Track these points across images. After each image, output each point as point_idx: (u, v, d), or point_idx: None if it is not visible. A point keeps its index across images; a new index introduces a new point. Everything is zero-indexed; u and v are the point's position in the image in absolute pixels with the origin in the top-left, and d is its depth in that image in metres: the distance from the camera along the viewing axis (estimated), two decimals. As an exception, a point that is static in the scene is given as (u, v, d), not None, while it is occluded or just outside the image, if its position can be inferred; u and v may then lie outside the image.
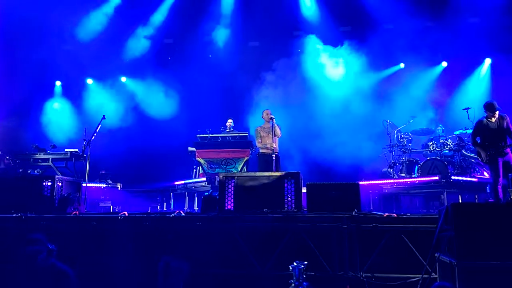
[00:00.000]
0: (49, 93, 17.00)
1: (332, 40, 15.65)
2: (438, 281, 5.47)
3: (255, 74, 15.61)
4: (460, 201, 11.06)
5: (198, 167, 12.76)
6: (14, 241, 6.83)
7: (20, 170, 12.04)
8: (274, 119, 10.82)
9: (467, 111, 12.44)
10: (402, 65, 15.95)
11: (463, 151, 11.96)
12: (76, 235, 7.04)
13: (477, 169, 11.94)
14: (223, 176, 7.65)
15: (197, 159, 11.55)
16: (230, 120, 13.03)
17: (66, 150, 12.18)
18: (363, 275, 6.21)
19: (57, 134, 15.40)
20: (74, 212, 7.71)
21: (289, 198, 7.31)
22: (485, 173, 11.65)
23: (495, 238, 4.73)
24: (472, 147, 10.13)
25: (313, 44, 15.71)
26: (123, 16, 15.74)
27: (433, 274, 5.64)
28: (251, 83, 15.50)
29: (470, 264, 4.65)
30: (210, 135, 11.58)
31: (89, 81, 17.01)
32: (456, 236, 4.80)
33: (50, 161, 12.02)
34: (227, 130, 12.63)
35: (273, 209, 7.15)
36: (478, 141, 9.03)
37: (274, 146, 10.62)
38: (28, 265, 5.45)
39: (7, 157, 12.68)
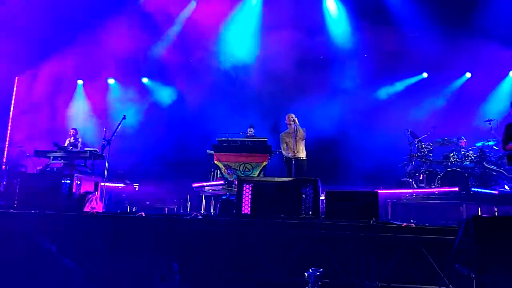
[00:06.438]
0: (71, 91, 17.17)
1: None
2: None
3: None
4: (480, 213, 10.90)
5: (216, 170, 12.71)
6: (30, 238, 6.87)
7: (40, 167, 12.12)
8: (296, 121, 10.80)
9: (489, 123, 12.33)
10: (425, 75, 15.87)
11: (484, 163, 11.77)
12: (93, 233, 7.06)
13: (498, 181, 11.77)
14: (241, 180, 7.63)
15: (215, 162, 11.46)
16: (250, 129, 12.88)
17: (85, 149, 12.24)
18: (379, 285, 6.13)
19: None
20: (92, 211, 7.75)
21: (307, 205, 7.26)
22: (506, 186, 11.49)
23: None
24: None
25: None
26: (149, 17, 15.78)
27: (450, 286, 5.57)
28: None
29: (488, 278, 4.59)
30: (230, 138, 11.50)
31: (111, 80, 17.18)
32: (476, 249, 4.74)
33: (69, 159, 12.04)
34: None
35: (290, 214, 7.11)
36: None
37: (296, 150, 10.61)
38: (34, 261, 5.52)
39: (21, 146, 12.85)
